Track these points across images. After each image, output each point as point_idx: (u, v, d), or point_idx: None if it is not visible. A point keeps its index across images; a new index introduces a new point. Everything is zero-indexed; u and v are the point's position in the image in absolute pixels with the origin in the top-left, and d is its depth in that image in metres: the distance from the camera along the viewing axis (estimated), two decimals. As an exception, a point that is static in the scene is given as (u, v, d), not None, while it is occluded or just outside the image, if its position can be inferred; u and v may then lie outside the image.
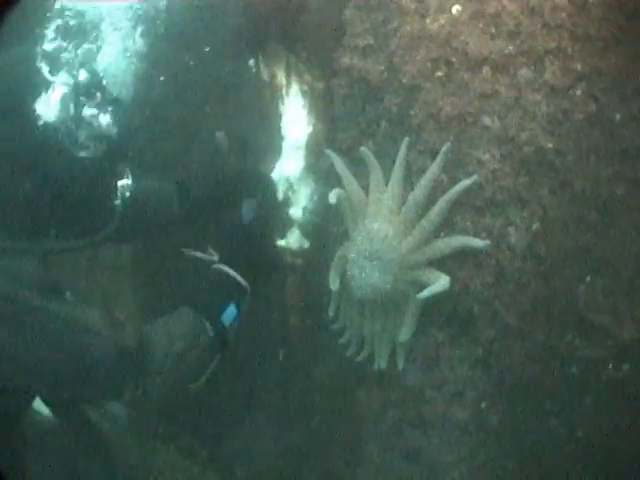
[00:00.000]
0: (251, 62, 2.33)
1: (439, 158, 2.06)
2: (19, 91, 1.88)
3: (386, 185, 2.17)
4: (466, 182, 2.04)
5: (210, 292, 2.09)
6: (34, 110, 1.87)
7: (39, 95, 1.90)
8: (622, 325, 2.06)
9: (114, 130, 1.99)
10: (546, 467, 2.14)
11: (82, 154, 1.94)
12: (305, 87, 2.26)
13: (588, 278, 2.08)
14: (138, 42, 2.30)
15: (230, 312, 2.05)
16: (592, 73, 1.94)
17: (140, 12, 2.21)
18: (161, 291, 2.65)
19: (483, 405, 2.19)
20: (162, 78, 2.53)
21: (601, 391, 2.12)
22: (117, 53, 2.20)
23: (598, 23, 1.91)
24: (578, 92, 1.94)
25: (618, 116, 1.96)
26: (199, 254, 2.19)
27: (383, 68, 2.14)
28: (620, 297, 2.05)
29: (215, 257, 2.16)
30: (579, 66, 1.91)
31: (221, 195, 2.46)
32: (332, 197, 2.16)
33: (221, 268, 2.12)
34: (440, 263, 2.11)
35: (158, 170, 2.55)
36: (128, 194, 2.05)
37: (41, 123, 1.87)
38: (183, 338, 1.94)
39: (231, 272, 2.10)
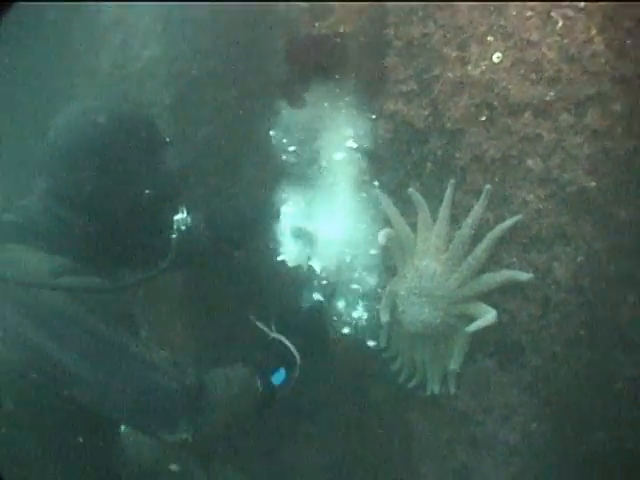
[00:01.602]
0: (294, 105, 2.40)
1: (483, 198, 2.15)
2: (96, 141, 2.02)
3: (433, 224, 2.26)
4: (511, 220, 2.14)
5: (265, 354, 2.28)
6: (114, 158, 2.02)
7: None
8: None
9: (173, 169, 2.12)
10: (595, 480, 2.25)
11: (148, 192, 2.08)
12: (350, 131, 2.33)
13: (631, 299, 2.15)
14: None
15: (280, 375, 2.24)
16: (631, 112, 2.00)
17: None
18: (216, 341, 2.79)
19: (532, 427, 2.30)
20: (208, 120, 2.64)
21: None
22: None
23: (635, 64, 1.98)
24: (618, 131, 2.01)
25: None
26: (261, 325, 2.37)
27: (427, 113, 2.22)
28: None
29: (273, 333, 2.34)
30: (618, 107, 1.98)
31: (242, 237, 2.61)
32: (381, 237, 2.26)
33: (278, 337, 2.30)
34: (488, 296, 2.21)
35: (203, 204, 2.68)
36: (183, 227, 2.16)
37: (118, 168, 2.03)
38: (236, 387, 2.13)
39: (287, 342, 2.29)
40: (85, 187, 2.01)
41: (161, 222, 2.17)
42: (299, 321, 2.38)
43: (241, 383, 2.16)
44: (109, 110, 2.10)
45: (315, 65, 2.39)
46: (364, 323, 2.48)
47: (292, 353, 2.28)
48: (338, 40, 2.36)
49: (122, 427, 2.28)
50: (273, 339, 2.31)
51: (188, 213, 2.21)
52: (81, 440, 2.00)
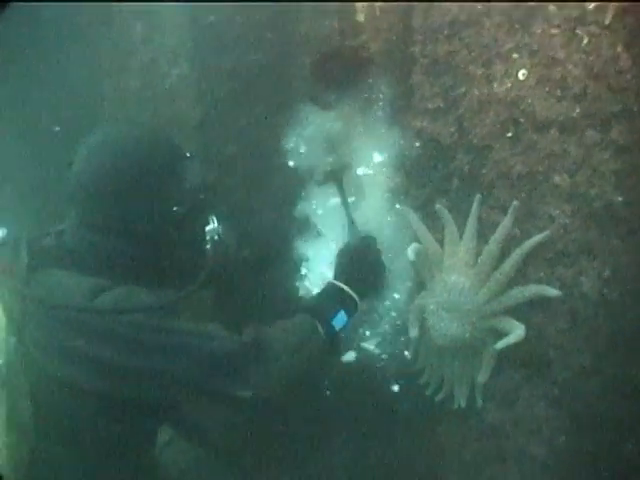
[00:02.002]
0: (320, 122, 2.45)
1: (510, 214, 2.18)
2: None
3: (461, 239, 2.29)
4: (539, 237, 2.17)
5: (323, 299, 2.29)
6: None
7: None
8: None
9: (197, 182, 2.19)
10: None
11: (176, 209, 2.13)
12: (376, 147, 2.37)
13: None
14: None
15: (341, 318, 2.25)
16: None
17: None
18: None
19: (560, 440, 2.31)
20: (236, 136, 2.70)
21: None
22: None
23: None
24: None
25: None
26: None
27: (453, 130, 2.26)
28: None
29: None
30: (645, 118, 2.00)
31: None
32: (410, 253, 2.30)
33: (334, 282, 2.32)
34: (516, 310, 2.23)
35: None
36: (216, 237, 2.22)
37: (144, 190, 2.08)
38: (298, 335, 2.16)
39: (344, 286, 2.30)
40: (114, 212, 2.07)
41: (193, 235, 2.21)
42: (354, 262, 2.38)
43: (302, 331, 2.18)
44: (128, 134, 2.16)
45: (341, 80, 2.41)
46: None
47: (350, 295, 2.29)
48: (365, 55, 2.38)
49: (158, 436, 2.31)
50: (328, 284, 2.33)
51: (219, 223, 2.23)
52: (117, 455, 2.04)
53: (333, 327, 2.23)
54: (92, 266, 2.07)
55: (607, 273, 2.15)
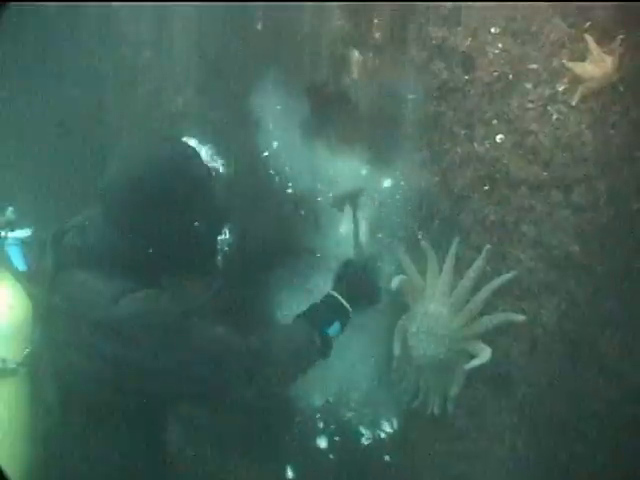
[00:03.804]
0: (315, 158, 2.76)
1: (483, 254, 2.56)
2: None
3: (440, 273, 2.66)
4: (507, 275, 2.55)
5: (321, 310, 2.58)
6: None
7: None
8: (638, 370, 2.56)
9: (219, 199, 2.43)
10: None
11: (197, 224, 2.35)
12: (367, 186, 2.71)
13: (607, 333, 2.54)
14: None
15: (335, 327, 2.56)
16: (613, 190, 2.38)
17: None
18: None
19: (519, 444, 2.73)
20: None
21: (620, 424, 2.52)
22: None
23: (617, 150, 2.35)
24: (601, 204, 2.40)
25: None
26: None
27: (437, 179, 2.60)
28: (635, 346, 2.47)
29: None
30: (602, 187, 2.36)
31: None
32: (394, 283, 2.66)
33: (333, 293, 2.63)
34: (485, 335, 2.62)
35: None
36: (227, 249, 2.50)
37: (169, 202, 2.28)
38: (297, 343, 2.47)
39: (340, 298, 2.61)
40: (139, 219, 2.25)
41: (209, 246, 2.47)
42: (351, 275, 2.68)
43: (301, 340, 2.48)
44: (162, 147, 2.35)
45: (334, 121, 2.72)
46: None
47: (345, 306, 2.60)
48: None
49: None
50: (328, 295, 2.62)
51: (230, 234, 2.51)
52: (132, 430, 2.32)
53: (328, 335, 2.54)
54: (114, 267, 2.24)
55: (564, 306, 2.52)
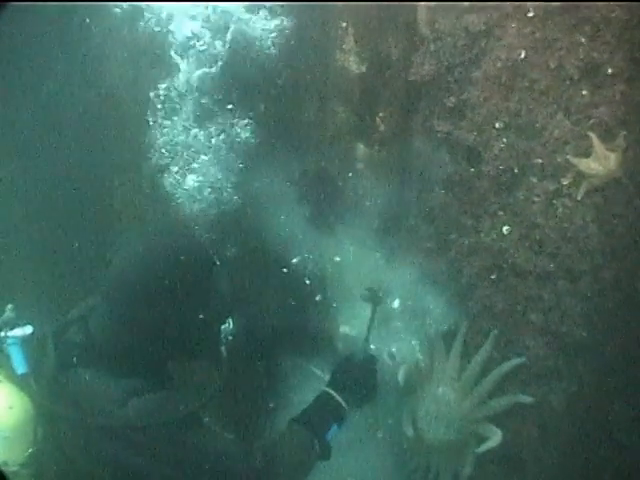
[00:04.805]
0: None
1: (490, 340, 2.59)
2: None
3: (447, 357, 2.70)
4: (515, 361, 2.59)
5: (319, 413, 2.55)
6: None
7: None
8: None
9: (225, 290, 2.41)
10: None
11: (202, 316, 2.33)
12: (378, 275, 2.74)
13: (616, 407, 2.60)
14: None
15: (333, 430, 2.54)
16: (618, 277, 2.43)
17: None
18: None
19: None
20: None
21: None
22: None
23: (622, 239, 2.40)
24: (607, 292, 2.45)
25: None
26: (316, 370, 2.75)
27: (445, 268, 2.63)
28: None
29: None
30: (608, 275, 2.41)
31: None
32: (401, 376, 2.69)
33: (328, 391, 2.60)
34: (495, 418, 2.66)
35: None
36: (230, 338, 2.50)
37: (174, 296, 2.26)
38: (299, 454, 2.45)
39: (336, 395, 2.58)
40: (145, 314, 2.22)
41: (213, 338, 2.46)
42: (348, 373, 2.65)
43: (302, 449, 2.45)
44: (166, 241, 2.34)
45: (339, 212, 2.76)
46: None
47: (341, 405, 2.57)
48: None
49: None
50: (323, 393, 2.59)
51: (234, 324, 2.53)
52: None
53: (326, 440, 2.52)
54: (119, 364, 2.22)
55: (573, 389, 2.57)
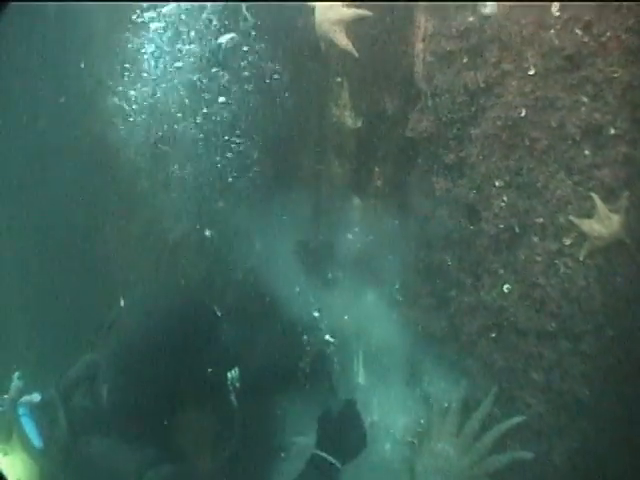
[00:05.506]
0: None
1: (490, 398, 2.57)
2: None
3: (446, 413, 2.66)
4: (515, 419, 2.56)
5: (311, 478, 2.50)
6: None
7: None
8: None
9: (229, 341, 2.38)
10: None
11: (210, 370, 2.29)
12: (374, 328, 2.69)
13: (619, 464, 2.57)
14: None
15: None
16: (621, 336, 2.40)
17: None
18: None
19: None
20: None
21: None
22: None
23: (624, 297, 2.38)
24: (609, 350, 2.42)
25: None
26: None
27: (444, 324, 2.59)
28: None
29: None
30: (610, 334, 2.39)
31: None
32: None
33: (318, 453, 2.52)
34: (495, 475, 2.63)
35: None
36: (237, 384, 2.40)
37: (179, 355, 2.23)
38: None
39: (326, 456, 2.50)
40: (150, 376, 2.18)
41: (222, 389, 2.37)
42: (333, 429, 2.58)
43: None
44: (167, 301, 2.35)
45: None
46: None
47: (333, 464, 2.50)
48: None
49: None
50: (314, 455, 2.51)
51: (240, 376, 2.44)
52: None
53: None
54: (132, 430, 2.18)
55: (576, 445, 2.54)
